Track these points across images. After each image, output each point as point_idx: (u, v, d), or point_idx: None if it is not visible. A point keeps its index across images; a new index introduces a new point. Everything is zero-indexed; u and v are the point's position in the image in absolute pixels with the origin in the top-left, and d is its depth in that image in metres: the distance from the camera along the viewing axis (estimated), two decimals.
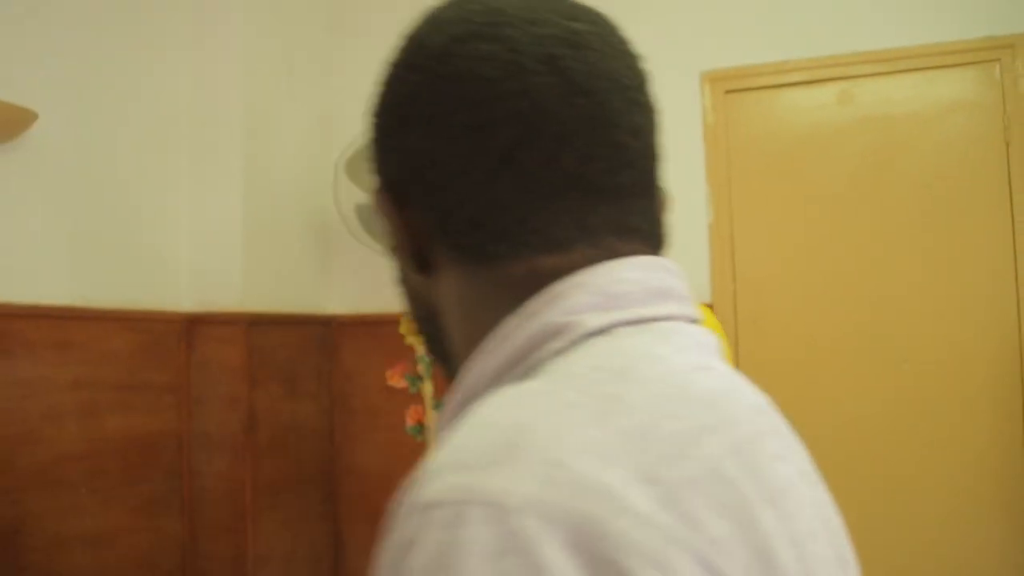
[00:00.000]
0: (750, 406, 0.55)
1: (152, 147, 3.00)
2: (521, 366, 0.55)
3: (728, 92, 3.02)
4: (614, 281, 0.56)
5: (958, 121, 2.87)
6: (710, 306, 2.95)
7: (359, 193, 3.02)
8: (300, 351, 3.29)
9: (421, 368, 3.18)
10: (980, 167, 2.83)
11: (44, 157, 2.61)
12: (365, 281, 3.39)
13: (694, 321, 0.59)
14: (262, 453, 3.05)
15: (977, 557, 2.74)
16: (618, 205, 0.59)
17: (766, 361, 2.95)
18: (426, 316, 0.66)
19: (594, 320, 0.54)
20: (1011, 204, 2.79)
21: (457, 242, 0.60)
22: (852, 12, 2.94)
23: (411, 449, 3.26)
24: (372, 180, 0.65)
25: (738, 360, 2.93)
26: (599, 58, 0.59)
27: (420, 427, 3.19)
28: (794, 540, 0.49)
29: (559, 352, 0.54)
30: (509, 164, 0.57)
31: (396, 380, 3.24)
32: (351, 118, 3.37)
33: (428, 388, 3.17)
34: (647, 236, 0.60)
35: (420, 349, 3.19)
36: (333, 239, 3.40)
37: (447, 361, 0.66)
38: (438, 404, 3.16)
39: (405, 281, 0.67)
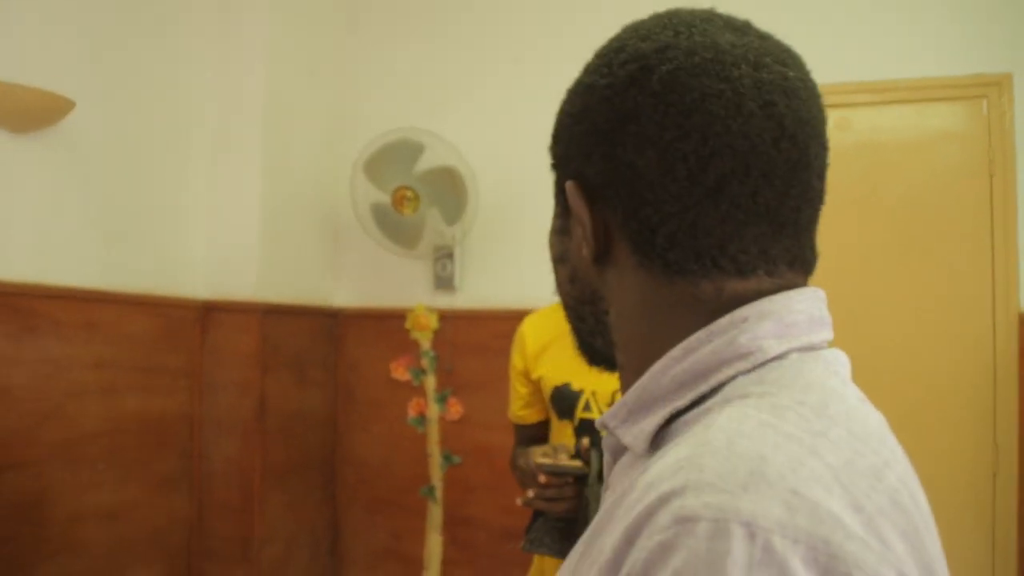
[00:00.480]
0: (892, 437, 0.65)
1: (175, 140, 3.10)
2: (707, 381, 0.64)
3: None
4: (789, 311, 0.66)
5: (946, 152, 3.04)
6: None
7: (376, 192, 3.15)
8: (308, 341, 3.41)
9: (425, 362, 3.31)
10: (965, 196, 3.00)
11: (78, 145, 2.71)
12: (371, 276, 3.51)
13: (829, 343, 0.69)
14: (271, 438, 3.16)
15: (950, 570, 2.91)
16: (795, 238, 0.68)
17: None
18: (587, 299, 0.75)
19: (774, 347, 0.64)
20: (992, 233, 2.97)
21: (652, 253, 0.67)
22: (854, 44, 3.09)
23: (410, 440, 3.39)
24: (563, 168, 0.74)
25: None
26: (802, 105, 0.66)
27: (421, 418, 3.32)
28: (939, 561, 0.59)
29: (743, 372, 0.63)
30: (718, 194, 0.64)
31: (400, 373, 3.36)
32: (365, 119, 3.50)
33: (431, 381, 3.30)
34: (807, 265, 0.70)
35: (424, 344, 3.32)
36: (342, 234, 3.52)
37: (595, 339, 0.76)
38: (440, 396, 3.29)
39: (567, 262, 0.76)
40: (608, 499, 0.69)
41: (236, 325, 3.14)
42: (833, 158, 0.71)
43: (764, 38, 0.69)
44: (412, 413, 3.34)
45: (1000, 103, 2.98)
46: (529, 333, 2.09)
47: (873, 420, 0.63)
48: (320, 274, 3.52)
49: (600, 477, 1.74)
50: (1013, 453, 2.88)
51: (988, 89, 3.00)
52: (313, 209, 3.45)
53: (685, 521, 0.51)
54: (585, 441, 1.82)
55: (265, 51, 3.19)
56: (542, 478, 1.74)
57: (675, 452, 0.58)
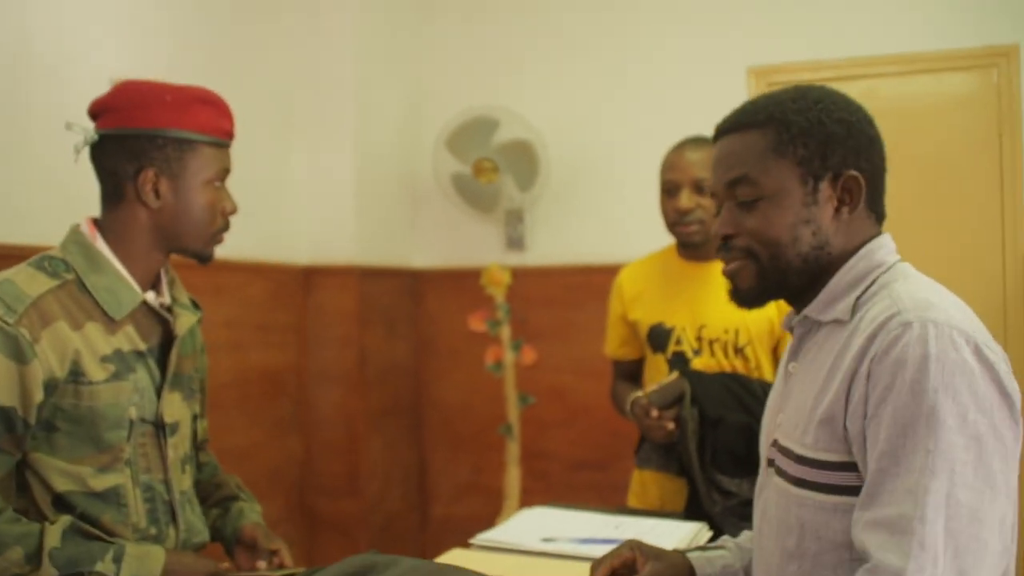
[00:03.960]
0: None
1: (278, 123, 3.46)
2: (868, 279, 1.21)
3: (770, 85, 3.55)
4: (888, 243, 1.25)
5: (961, 116, 3.45)
6: None
7: (456, 163, 3.53)
8: (395, 299, 3.81)
9: (500, 314, 3.71)
10: (977, 155, 3.42)
11: None
12: (448, 239, 3.90)
13: None
14: (369, 386, 3.56)
15: None
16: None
17: None
18: (821, 244, 1.23)
19: (889, 260, 1.23)
20: (1001, 186, 3.39)
21: (877, 211, 1.26)
22: (876, 20, 3.48)
23: (487, 385, 3.79)
24: (821, 164, 1.22)
25: None
26: None
27: (498, 365, 3.72)
28: None
29: (882, 273, 1.21)
30: (883, 179, 1.28)
31: (477, 325, 3.76)
32: (439, 98, 3.88)
33: (506, 331, 3.70)
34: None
35: (499, 298, 3.72)
36: (420, 202, 3.91)
37: (791, 278, 1.25)
38: (515, 344, 3.69)
39: (812, 222, 1.22)
40: (811, 358, 1.25)
41: (337, 286, 3.52)
42: None
43: None
44: (490, 360, 3.74)
45: (1008, 72, 3.39)
46: (626, 282, 2.46)
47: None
48: (403, 238, 3.91)
49: (693, 400, 2.14)
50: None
51: (998, 59, 3.40)
52: (396, 180, 3.83)
53: (906, 324, 1.09)
54: (675, 373, 2.21)
55: (352, 40, 3.55)
56: (655, 412, 2.12)
57: (879, 305, 1.16)
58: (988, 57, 3.41)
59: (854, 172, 1.21)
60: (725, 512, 2.08)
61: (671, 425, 2.11)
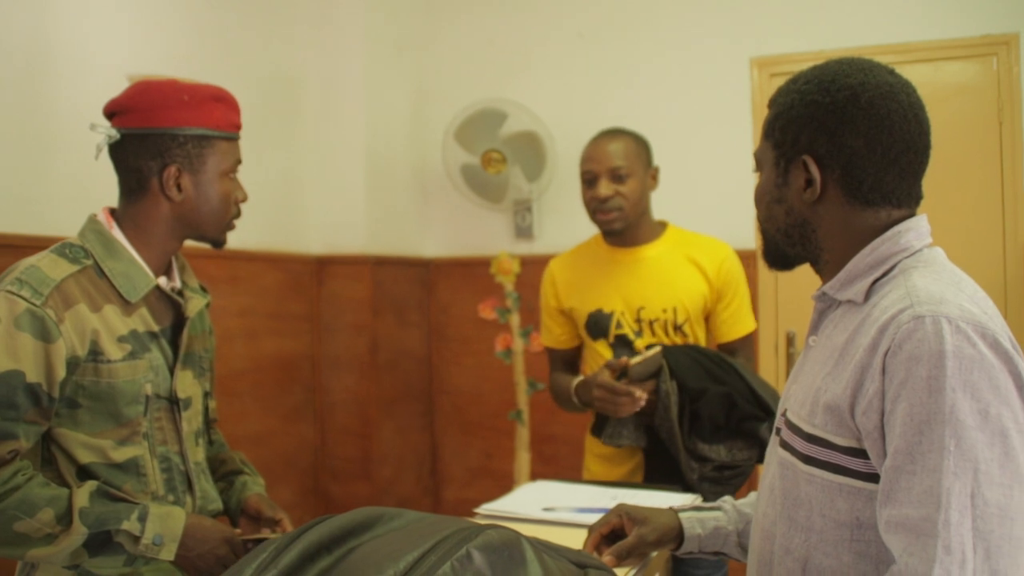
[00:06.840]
0: None
1: (290, 118, 3.55)
2: (889, 262, 1.19)
3: (772, 75, 3.62)
4: (918, 226, 1.21)
5: (961, 104, 3.50)
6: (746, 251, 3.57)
7: (465, 155, 3.60)
8: (406, 288, 3.89)
9: (509, 302, 3.78)
10: (977, 142, 3.47)
11: None
12: (457, 229, 3.98)
13: None
14: (381, 372, 3.65)
15: None
16: (919, 185, 1.22)
17: (796, 296, 3.60)
18: (799, 224, 1.26)
19: (916, 245, 1.20)
20: (1001, 172, 3.44)
21: (859, 195, 1.21)
22: (877, 10, 3.53)
23: (497, 371, 3.88)
24: (790, 147, 1.24)
25: (777, 291, 3.59)
26: (925, 112, 1.22)
27: (508, 352, 3.80)
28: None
29: (905, 257, 1.19)
30: (894, 163, 1.19)
31: (487, 312, 3.83)
32: (446, 90, 3.95)
33: (515, 319, 3.77)
34: (920, 200, 1.26)
35: (508, 286, 3.79)
36: (431, 193, 3.99)
37: (792, 248, 1.29)
38: (524, 332, 3.77)
39: (784, 202, 1.27)
40: (827, 335, 1.25)
41: (349, 275, 3.61)
42: None
43: (900, 76, 1.24)
44: (499, 347, 3.82)
45: (1008, 60, 3.43)
46: (558, 272, 2.52)
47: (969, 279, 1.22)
48: (413, 228, 3.99)
49: (671, 373, 2.18)
50: None
51: (997, 48, 3.45)
52: (406, 172, 3.92)
53: (918, 318, 1.08)
54: (656, 348, 2.23)
55: (361, 33, 3.63)
56: (639, 392, 2.14)
57: (893, 294, 1.15)
58: (988, 46, 3.46)
59: (806, 157, 1.21)
60: (701, 479, 2.13)
61: (639, 393, 2.11)
